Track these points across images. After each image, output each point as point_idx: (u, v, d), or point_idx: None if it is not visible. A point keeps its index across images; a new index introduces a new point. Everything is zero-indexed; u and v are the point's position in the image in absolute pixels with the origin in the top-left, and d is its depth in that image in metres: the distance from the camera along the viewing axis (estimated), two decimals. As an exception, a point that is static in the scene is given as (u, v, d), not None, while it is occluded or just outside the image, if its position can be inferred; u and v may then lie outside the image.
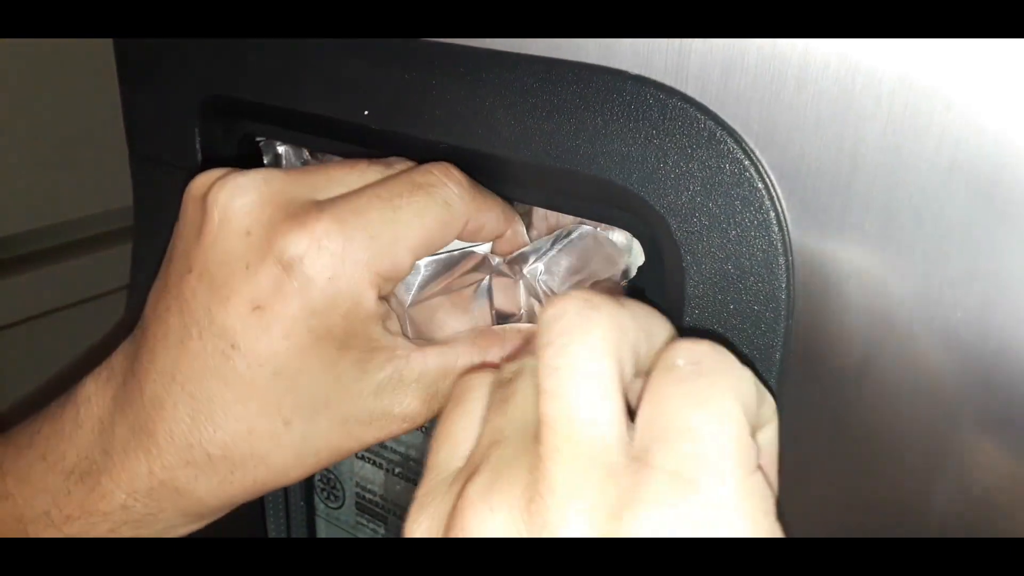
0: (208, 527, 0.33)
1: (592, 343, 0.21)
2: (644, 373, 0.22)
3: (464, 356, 0.29)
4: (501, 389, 0.24)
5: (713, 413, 0.20)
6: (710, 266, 0.25)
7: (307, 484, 0.46)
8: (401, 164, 0.29)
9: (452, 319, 0.31)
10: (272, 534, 0.46)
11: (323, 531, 0.47)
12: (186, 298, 0.28)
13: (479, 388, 0.25)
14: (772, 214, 0.24)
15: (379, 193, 0.27)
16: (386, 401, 0.29)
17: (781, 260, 0.24)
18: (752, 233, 0.24)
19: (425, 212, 0.27)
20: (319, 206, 0.27)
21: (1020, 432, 0.22)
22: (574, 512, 0.20)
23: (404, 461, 0.42)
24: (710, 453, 0.19)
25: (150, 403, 0.28)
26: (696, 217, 0.25)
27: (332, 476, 0.45)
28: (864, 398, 0.24)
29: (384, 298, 0.28)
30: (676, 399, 0.20)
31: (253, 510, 0.45)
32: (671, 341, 0.22)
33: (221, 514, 0.31)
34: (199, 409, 0.28)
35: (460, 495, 0.22)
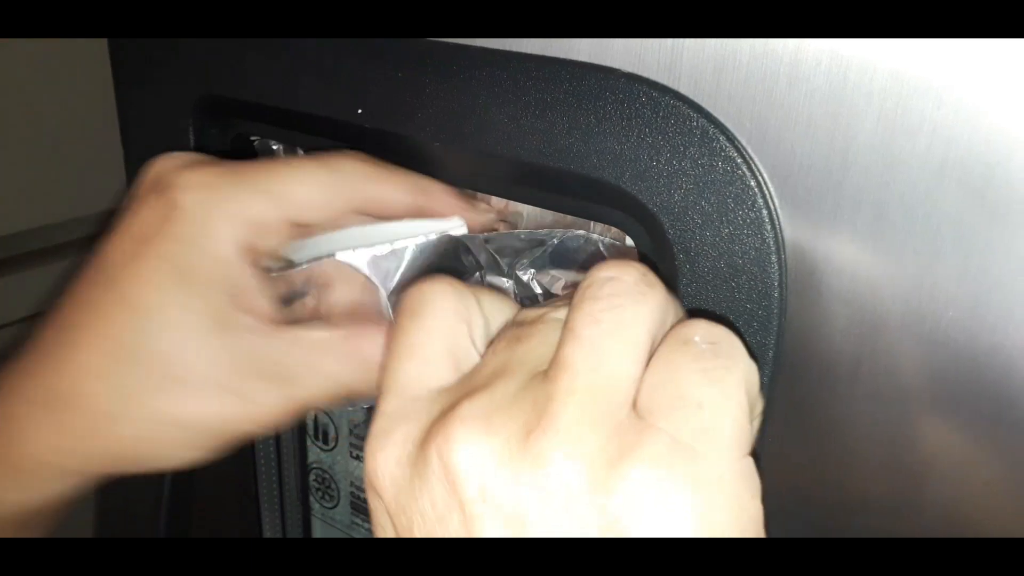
0: (203, 526, 0.32)
1: (641, 313, 0.21)
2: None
3: (325, 343, 0.28)
4: (516, 328, 0.24)
5: (723, 392, 0.20)
6: (703, 264, 0.25)
7: (302, 484, 0.46)
8: None
9: None
10: (267, 534, 0.46)
11: (318, 531, 0.47)
12: (102, 253, 0.29)
13: (439, 302, 0.24)
14: (764, 212, 0.24)
15: (280, 160, 0.29)
16: (226, 374, 0.28)
17: (773, 258, 0.24)
18: (745, 231, 0.24)
19: (308, 172, 0.28)
20: (222, 164, 0.29)
21: (1011, 430, 0.22)
22: (573, 454, 0.20)
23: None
24: (714, 428, 0.20)
25: (37, 350, 0.29)
26: (689, 215, 0.25)
27: (327, 476, 0.45)
28: (856, 395, 0.24)
29: (272, 271, 0.29)
30: (690, 372, 0.21)
31: (248, 510, 0.45)
32: (684, 319, 0.23)
33: (41, 484, 0.30)
34: (61, 346, 0.28)
35: (453, 410, 0.21)
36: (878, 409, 0.24)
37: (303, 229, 0.29)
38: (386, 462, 0.22)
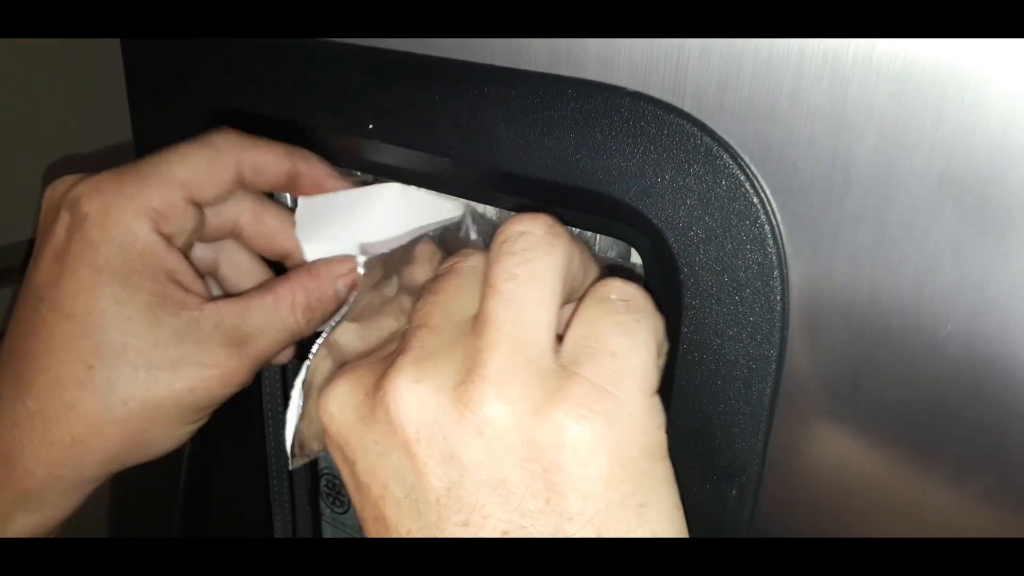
0: (216, 531, 0.33)
1: (552, 263, 0.24)
2: (571, 302, 0.25)
3: (256, 307, 0.31)
4: (431, 282, 0.27)
5: (634, 343, 0.24)
6: (707, 278, 0.26)
7: (312, 489, 0.47)
8: None
9: None
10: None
11: (328, 536, 0.48)
12: (27, 280, 0.31)
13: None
14: (767, 228, 0.24)
15: (163, 151, 0.31)
16: (189, 348, 0.30)
17: (776, 273, 0.24)
18: (748, 246, 0.25)
19: (191, 152, 0.31)
20: (113, 169, 0.31)
21: (1009, 441, 0.23)
22: (502, 398, 0.23)
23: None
24: (626, 373, 0.23)
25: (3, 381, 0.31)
26: (693, 230, 0.25)
27: (338, 482, 0.46)
28: (857, 406, 0.25)
29: (185, 252, 0.31)
30: (606, 326, 0.24)
31: (260, 516, 0.46)
32: (603, 277, 0.26)
33: (53, 499, 0.31)
34: (20, 369, 0.30)
35: (391, 365, 0.24)
36: (879, 419, 0.24)
37: (201, 206, 0.32)
38: (329, 403, 0.26)
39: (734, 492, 0.27)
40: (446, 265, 0.27)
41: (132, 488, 0.45)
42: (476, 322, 0.24)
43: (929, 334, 0.23)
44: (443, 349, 0.24)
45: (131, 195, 0.30)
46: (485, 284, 0.24)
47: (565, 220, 0.30)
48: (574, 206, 0.28)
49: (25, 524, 0.32)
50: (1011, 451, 0.23)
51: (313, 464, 0.46)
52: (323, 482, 0.46)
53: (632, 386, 0.23)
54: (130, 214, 0.30)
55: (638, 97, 0.25)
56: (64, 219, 0.30)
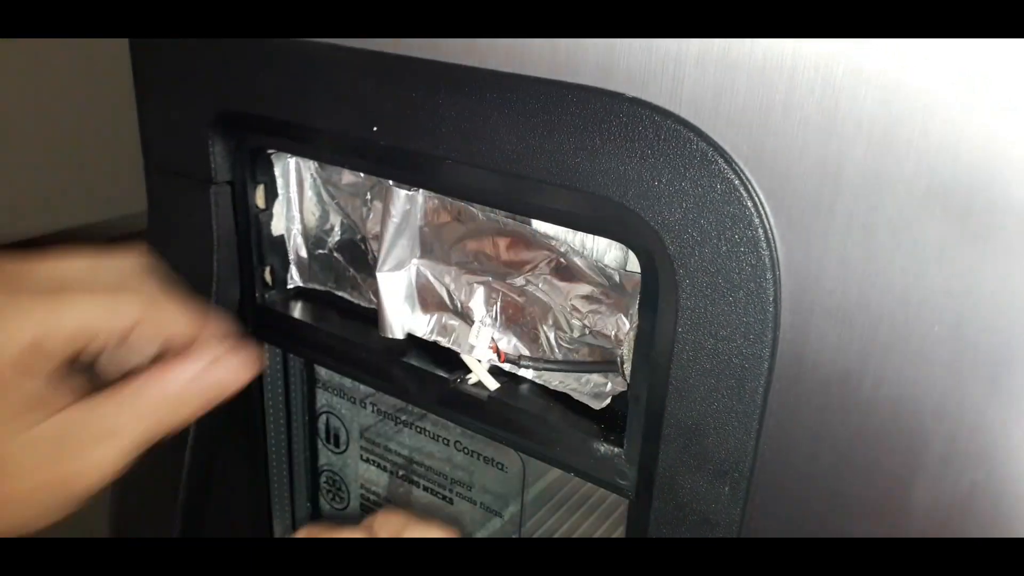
0: (216, 527, 0.33)
1: None
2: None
3: (134, 393, 0.31)
4: None
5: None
6: (701, 279, 0.26)
7: (312, 485, 0.47)
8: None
9: None
10: (278, 534, 0.47)
11: (327, 532, 0.48)
12: None
13: None
14: (760, 231, 0.25)
15: (71, 290, 0.30)
16: (68, 453, 0.29)
17: (768, 275, 0.25)
18: (741, 249, 0.25)
19: (90, 300, 0.30)
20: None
21: (994, 439, 0.23)
22: None
23: (407, 464, 0.43)
24: None
25: None
26: (689, 232, 0.26)
27: (338, 478, 0.47)
28: (847, 405, 0.25)
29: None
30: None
31: (260, 513, 0.46)
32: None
33: None
34: None
35: None
36: (867, 418, 0.25)
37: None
38: None
39: (726, 489, 0.28)
40: None
41: (132, 488, 0.46)
42: None
43: (917, 336, 0.24)
44: None
45: (12, 320, 0.29)
46: None
47: (565, 222, 0.31)
48: (573, 208, 0.29)
49: None
50: (996, 449, 0.23)
51: (313, 462, 0.47)
52: (323, 479, 0.47)
53: None
54: (7, 338, 0.29)
55: (636, 103, 0.26)
56: None
